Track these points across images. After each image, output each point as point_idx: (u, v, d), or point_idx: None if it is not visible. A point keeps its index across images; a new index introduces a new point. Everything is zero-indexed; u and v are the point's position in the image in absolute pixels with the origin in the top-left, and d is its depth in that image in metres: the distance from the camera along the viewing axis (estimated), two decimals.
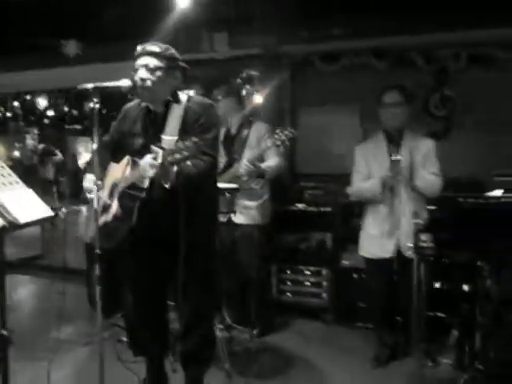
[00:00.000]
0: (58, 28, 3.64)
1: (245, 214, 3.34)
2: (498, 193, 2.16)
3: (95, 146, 1.95)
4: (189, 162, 1.95)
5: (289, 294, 3.78)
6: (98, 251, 1.93)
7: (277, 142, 2.91)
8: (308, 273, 3.73)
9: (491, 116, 3.88)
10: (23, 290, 4.81)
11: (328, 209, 3.72)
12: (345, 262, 3.62)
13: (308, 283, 3.72)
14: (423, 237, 2.15)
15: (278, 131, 2.93)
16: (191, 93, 2.29)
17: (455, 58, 3.88)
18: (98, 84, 1.98)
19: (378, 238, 2.85)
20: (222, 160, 3.42)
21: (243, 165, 3.12)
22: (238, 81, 4.34)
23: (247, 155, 3.22)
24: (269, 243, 3.54)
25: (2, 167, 2.08)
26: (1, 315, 1.82)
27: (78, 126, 14.51)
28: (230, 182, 3.23)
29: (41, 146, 9.50)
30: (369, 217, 2.97)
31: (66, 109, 9.98)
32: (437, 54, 3.92)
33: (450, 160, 3.07)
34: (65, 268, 4.18)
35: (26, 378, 2.64)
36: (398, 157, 2.70)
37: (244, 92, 4.23)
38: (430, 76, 4.01)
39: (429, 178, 2.75)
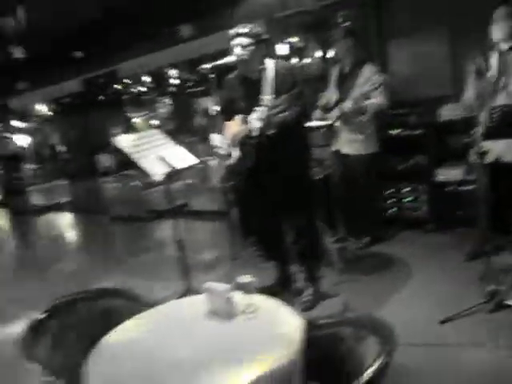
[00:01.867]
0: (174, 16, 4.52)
1: (352, 145, 3.89)
2: None
3: (217, 108, 2.74)
4: (284, 113, 2.64)
5: (392, 208, 4.34)
6: (232, 183, 2.75)
7: (373, 85, 3.41)
8: (408, 189, 4.24)
9: None
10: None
11: (421, 131, 4.12)
12: (439, 177, 4.05)
13: (408, 199, 4.24)
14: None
15: (374, 76, 3.40)
16: (276, 60, 2.88)
17: None
18: (214, 63, 2.74)
19: None
20: (334, 96, 3.95)
21: (348, 103, 3.65)
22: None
23: (355, 93, 3.68)
24: (373, 169, 4.01)
25: (157, 134, 3.00)
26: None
27: (198, 89, 15.83)
28: (338, 117, 3.79)
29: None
30: None
31: (186, 76, 11.17)
32: None
33: None
34: (207, 211, 5.25)
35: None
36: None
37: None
38: None
39: None
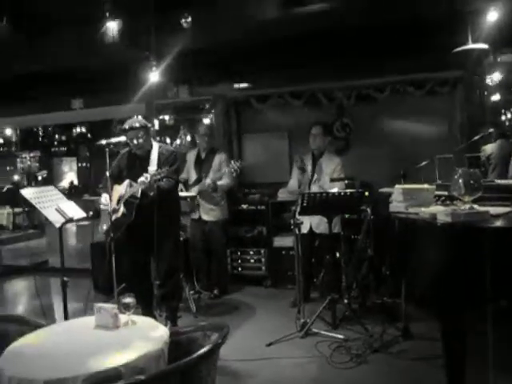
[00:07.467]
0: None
1: (210, 213, 4.87)
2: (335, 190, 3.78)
3: (108, 174, 3.47)
4: (162, 181, 3.49)
5: (239, 268, 5.35)
6: (112, 235, 3.44)
7: (231, 169, 4.46)
8: (252, 253, 5.31)
9: (374, 136, 5.54)
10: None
11: (263, 207, 5.30)
12: (276, 244, 5.21)
13: (252, 260, 5.30)
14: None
15: (232, 162, 4.46)
16: (161, 144, 3.81)
17: (348, 97, 5.54)
18: (108, 140, 3.51)
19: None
20: (194, 176, 4.93)
21: (206, 182, 4.66)
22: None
23: (211, 175, 4.74)
24: (226, 233, 5.09)
25: (54, 189, 3.58)
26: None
27: (63, 148, 15.95)
28: (198, 192, 4.76)
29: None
30: None
31: (56, 136, 11.43)
32: (335, 94, 5.58)
33: (350, 167, 4.61)
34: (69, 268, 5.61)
35: None
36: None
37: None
38: (332, 110, 5.68)
39: (330, 183, 4.27)
